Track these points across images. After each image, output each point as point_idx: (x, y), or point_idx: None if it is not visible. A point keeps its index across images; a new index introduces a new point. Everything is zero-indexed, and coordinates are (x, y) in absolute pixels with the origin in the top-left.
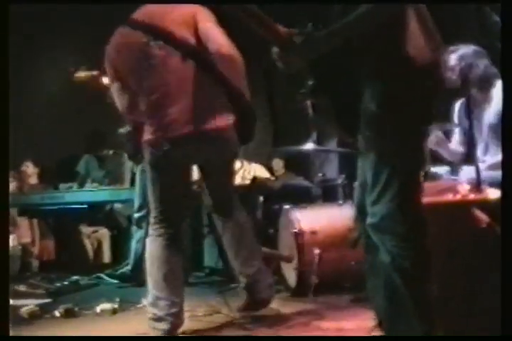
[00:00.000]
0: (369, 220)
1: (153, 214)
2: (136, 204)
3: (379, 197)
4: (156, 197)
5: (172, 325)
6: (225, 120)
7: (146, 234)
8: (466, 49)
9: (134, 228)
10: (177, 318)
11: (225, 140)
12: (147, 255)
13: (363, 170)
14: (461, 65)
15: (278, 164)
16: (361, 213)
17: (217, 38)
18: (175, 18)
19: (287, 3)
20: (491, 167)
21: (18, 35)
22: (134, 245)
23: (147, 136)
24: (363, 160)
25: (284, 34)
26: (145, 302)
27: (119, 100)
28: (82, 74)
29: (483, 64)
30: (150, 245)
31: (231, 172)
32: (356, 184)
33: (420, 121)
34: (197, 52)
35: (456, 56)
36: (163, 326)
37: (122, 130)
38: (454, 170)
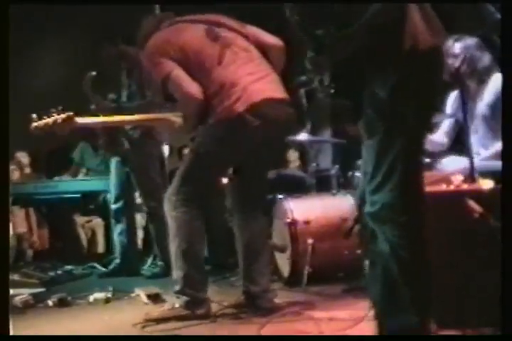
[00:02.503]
0: (368, 208)
1: (184, 194)
2: (113, 195)
3: (380, 186)
4: (198, 177)
5: (208, 308)
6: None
7: (128, 226)
8: (471, 40)
9: (112, 221)
10: (209, 302)
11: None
12: (180, 236)
13: (366, 159)
14: (465, 54)
15: (293, 155)
16: (363, 202)
17: (265, 33)
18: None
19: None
20: (485, 159)
21: (18, 35)
22: (117, 238)
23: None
24: (365, 149)
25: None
26: (175, 288)
27: (186, 87)
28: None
29: (487, 57)
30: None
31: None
32: (361, 173)
33: (423, 108)
34: (253, 40)
35: (461, 45)
36: (201, 310)
37: None
38: (435, 162)
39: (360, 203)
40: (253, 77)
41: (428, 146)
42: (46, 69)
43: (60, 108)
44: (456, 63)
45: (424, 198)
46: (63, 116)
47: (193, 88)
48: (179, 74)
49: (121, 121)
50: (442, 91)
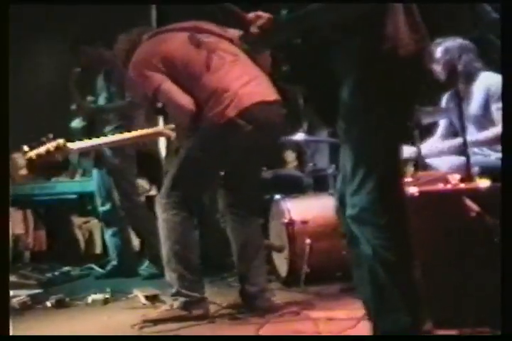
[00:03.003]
0: (349, 211)
1: (175, 197)
2: (99, 198)
3: (358, 188)
4: (190, 179)
5: (206, 308)
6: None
7: (120, 228)
8: (452, 42)
9: (103, 224)
10: (206, 302)
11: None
12: (172, 239)
13: (344, 160)
14: (446, 57)
15: (290, 156)
16: (342, 204)
17: None
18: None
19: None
20: (476, 142)
21: (18, 35)
22: (110, 240)
23: (219, 114)
24: (343, 150)
25: (248, 18)
26: (171, 290)
27: (177, 100)
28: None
29: (467, 58)
30: (174, 225)
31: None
32: (339, 174)
33: (399, 112)
34: (238, 43)
35: (441, 49)
36: (199, 311)
37: (75, 124)
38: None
39: (338, 206)
40: (243, 81)
41: (428, 153)
42: (46, 69)
43: (50, 136)
44: (439, 68)
45: (404, 199)
46: (54, 144)
47: (184, 100)
48: (168, 86)
49: (113, 141)
50: (425, 96)
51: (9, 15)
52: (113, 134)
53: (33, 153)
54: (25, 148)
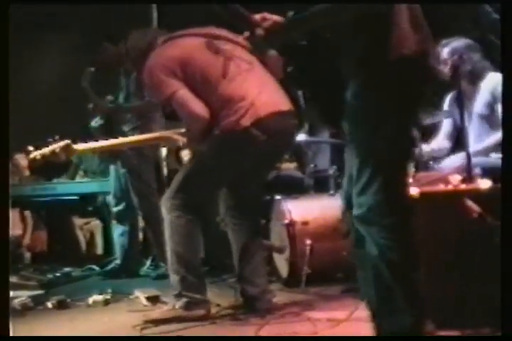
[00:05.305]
0: (355, 211)
1: (180, 200)
2: (114, 197)
3: (365, 188)
4: (198, 184)
5: (208, 309)
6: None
7: (130, 228)
8: (458, 42)
9: (114, 222)
10: (208, 303)
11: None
12: (175, 240)
13: (350, 160)
14: (453, 58)
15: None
16: (349, 204)
17: None
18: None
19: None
20: (476, 152)
21: (18, 35)
22: (118, 239)
23: (234, 122)
24: (349, 150)
25: (254, 19)
26: (174, 292)
27: (191, 108)
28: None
29: (474, 57)
30: (179, 227)
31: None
32: (345, 175)
33: (403, 112)
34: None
35: (448, 49)
36: (201, 311)
37: (94, 124)
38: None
39: (345, 206)
40: (258, 89)
41: (433, 154)
42: (46, 69)
43: (56, 137)
44: (446, 68)
45: (409, 200)
46: (61, 144)
47: (199, 108)
48: (184, 93)
49: (120, 143)
50: (429, 95)
51: (9, 15)
52: (132, 134)
53: (37, 153)
54: (30, 148)
